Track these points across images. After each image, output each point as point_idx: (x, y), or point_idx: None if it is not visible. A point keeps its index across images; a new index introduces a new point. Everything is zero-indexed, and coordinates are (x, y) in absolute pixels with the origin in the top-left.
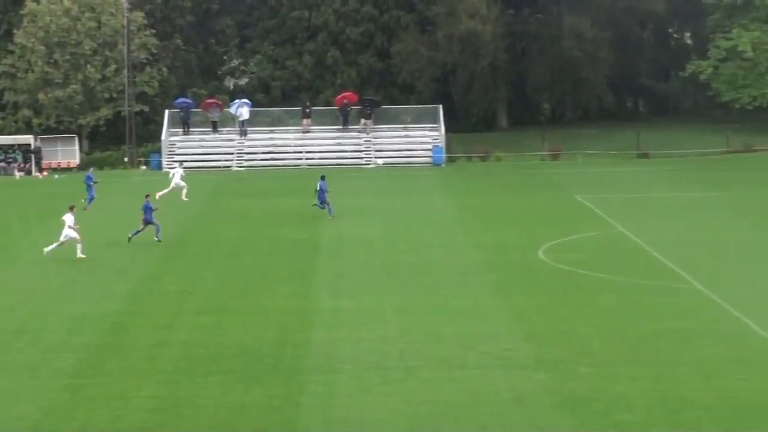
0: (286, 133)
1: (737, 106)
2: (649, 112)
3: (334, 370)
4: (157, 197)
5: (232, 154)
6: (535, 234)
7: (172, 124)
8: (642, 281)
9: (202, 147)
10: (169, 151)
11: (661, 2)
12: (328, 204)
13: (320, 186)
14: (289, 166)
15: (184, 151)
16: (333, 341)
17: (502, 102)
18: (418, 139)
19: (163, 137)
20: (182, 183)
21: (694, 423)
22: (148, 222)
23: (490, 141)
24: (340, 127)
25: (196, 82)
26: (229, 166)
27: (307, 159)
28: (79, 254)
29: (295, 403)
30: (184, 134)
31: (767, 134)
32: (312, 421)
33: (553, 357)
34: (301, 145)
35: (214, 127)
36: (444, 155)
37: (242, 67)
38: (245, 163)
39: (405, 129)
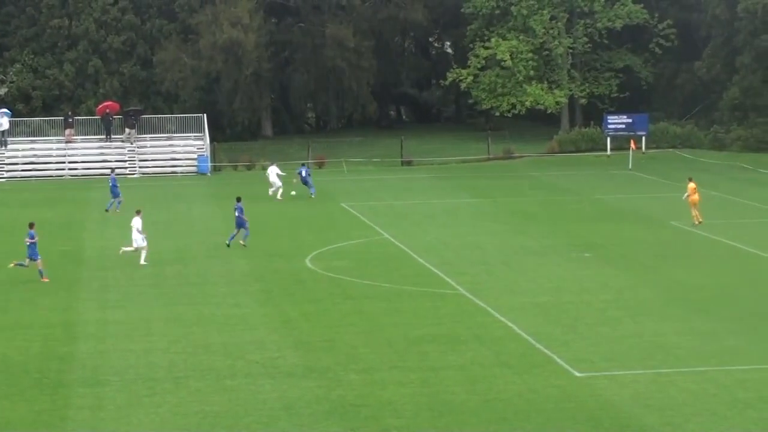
0: (48, 143)
1: (497, 113)
2: (412, 120)
3: (101, 382)
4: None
5: None
6: (301, 242)
7: None
8: (408, 287)
9: None
10: None
11: (421, 12)
12: (311, 186)
13: (303, 172)
14: (51, 176)
15: None
16: (99, 353)
17: (267, 110)
18: (183, 149)
19: None
20: (279, 182)
21: (459, 426)
22: (240, 225)
23: (255, 150)
24: (104, 136)
25: None
26: None
27: (70, 169)
28: (142, 261)
29: (62, 417)
30: None
31: (526, 141)
32: None
33: (321, 364)
34: (64, 156)
35: None
36: (209, 164)
37: (1, 76)
38: (6, 175)
39: (169, 138)
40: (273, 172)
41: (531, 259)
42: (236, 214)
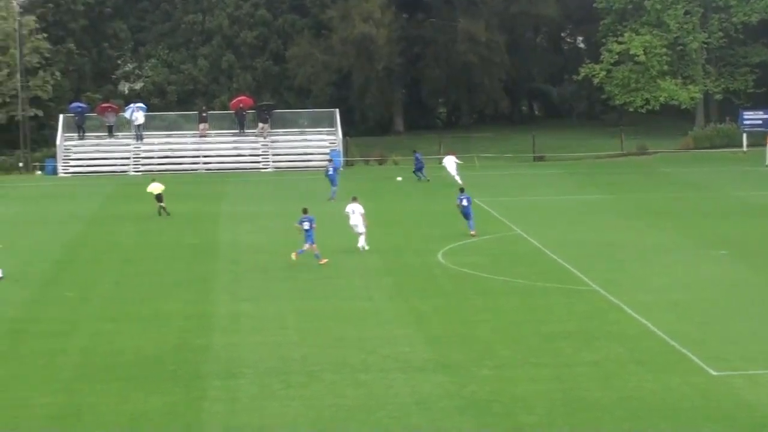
0: (183, 137)
1: (630, 109)
2: (544, 116)
3: (235, 375)
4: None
5: (128, 158)
6: (434, 237)
7: (67, 129)
8: (540, 283)
9: (98, 152)
10: (65, 156)
11: (553, 7)
12: (421, 174)
13: (416, 156)
14: (186, 170)
15: (80, 155)
16: (233, 346)
17: (398, 106)
18: (316, 143)
19: (58, 142)
20: (454, 172)
21: (593, 423)
22: (467, 215)
23: (387, 145)
24: (237, 131)
25: (90, 87)
26: (126, 171)
27: (204, 163)
28: (363, 245)
29: (196, 409)
30: (79, 139)
31: (660, 136)
32: (214, 427)
33: (454, 360)
34: (198, 150)
35: (110, 131)
36: (342, 159)
37: (137, 71)
38: (142, 168)
39: (302, 133)
40: (450, 162)
41: (664, 255)
42: (464, 203)
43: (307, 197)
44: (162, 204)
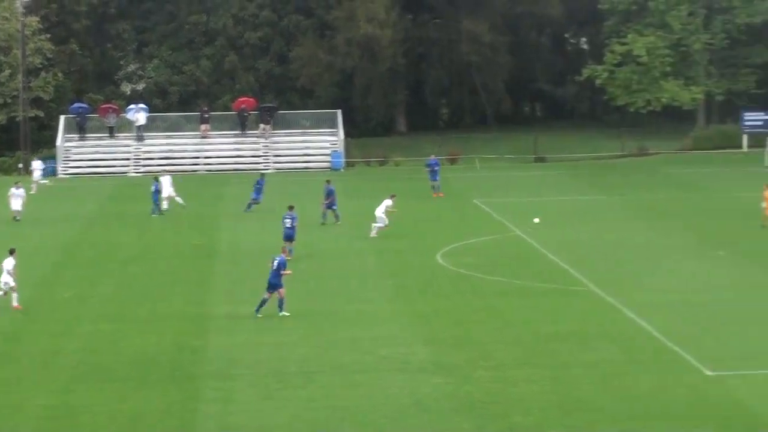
0: (184, 138)
1: (632, 110)
2: (546, 117)
3: (232, 376)
4: None
5: (128, 159)
6: (433, 238)
7: (67, 130)
8: (539, 284)
9: (98, 153)
10: (65, 157)
11: (557, 8)
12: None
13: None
14: (186, 171)
15: (80, 156)
16: (231, 347)
17: (401, 106)
18: (317, 144)
19: (58, 143)
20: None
21: (589, 424)
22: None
23: (388, 145)
24: (238, 132)
25: (92, 87)
26: (126, 172)
27: (205, 164)
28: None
29: (192, 410)
30: (80, 140)
31: (661, 138)
32: (209, 427)
33: (451, 361)
34: (199, 151)
35: (111, 132)
36: (343, 160)
37: (139, 72)
38: (142, 169)
39: (303, 134)
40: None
41: (662, 256)
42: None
43: (308, 198)
44: None
